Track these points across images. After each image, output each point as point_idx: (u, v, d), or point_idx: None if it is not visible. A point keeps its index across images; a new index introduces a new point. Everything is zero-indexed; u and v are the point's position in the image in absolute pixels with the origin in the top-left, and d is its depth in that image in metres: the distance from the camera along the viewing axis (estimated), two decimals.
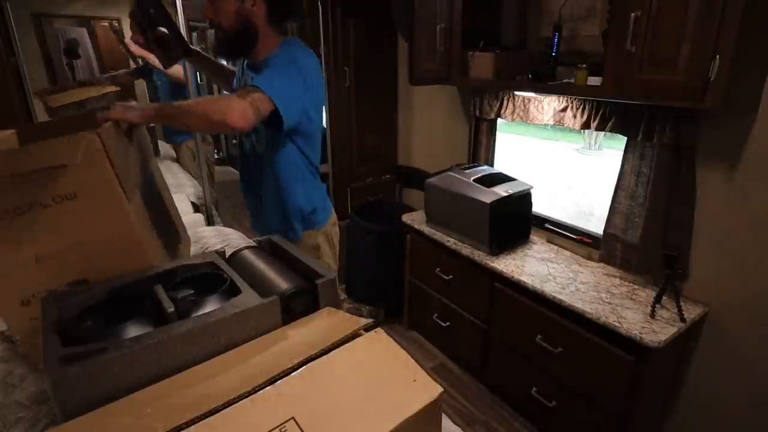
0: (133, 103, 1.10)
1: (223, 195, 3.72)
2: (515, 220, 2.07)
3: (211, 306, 0.86)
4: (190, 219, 2.34)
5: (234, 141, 1.50)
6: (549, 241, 2.13)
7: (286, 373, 0.73)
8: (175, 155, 3.56)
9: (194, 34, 4.02)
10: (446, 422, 1.00)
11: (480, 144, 2.39)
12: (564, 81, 1.73)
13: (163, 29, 1.31)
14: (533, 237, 2.16)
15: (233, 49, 1.34)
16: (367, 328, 0.86)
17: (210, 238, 1.88)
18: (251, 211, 1.63)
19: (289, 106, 1.23)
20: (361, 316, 0.98)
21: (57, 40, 4.21)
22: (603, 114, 1.73)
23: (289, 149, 1.37)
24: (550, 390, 1.78)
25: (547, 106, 1.97)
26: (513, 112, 2.11)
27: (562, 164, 6.30)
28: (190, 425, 0.63)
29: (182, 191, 2.70)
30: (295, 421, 0.63)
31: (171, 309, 0.83)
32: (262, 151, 1.40)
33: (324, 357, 0.77)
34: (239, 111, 1.13)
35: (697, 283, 1.63)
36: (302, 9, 2.62)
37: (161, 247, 1.03)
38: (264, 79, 1.21)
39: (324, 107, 2.68)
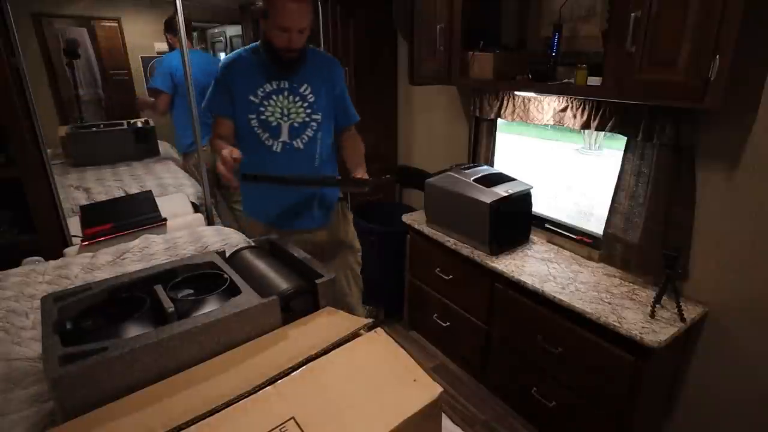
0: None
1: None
2: (515, 220, 2.07)
3: (210, 306, 0.86)
4: (190, 219, 2.34)
5: (268, 141, 1.62)
6: (549, 241, 2.13)
7: (286, 373, 0.73)
8: (175, 155, 3.57)
9: (195, 34, 4.02)
10: (446, 422, 1.00)
11: (480, 144, 2.39)
12: (564, 81, 1.73)
13: None
14: (533, 237, 2.16)
15: (299, 63, 1.58)
16: (367, 328, 0.86)
17: (210, 237, 1.88)
18: (293, 210, 1.74)
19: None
20: (354, 314, 0.98)
21: (57, 40, 4.21)
22: (603, 114, 1.73)
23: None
24: (550, 390, 1.78)
25: (547, 106, 1.97)
26: (513, 112, 2.11)
27: (562, 164, 6.29)
28: (190, 425, 0.63)
29: (182, 191, 2.70)
30: (295, 421, 0.63)
31: (171, 309, 0.83)
32: (302, 146, 1.63)
33: (324, 357, 0.77)
34: None
35: (697, 283, 1.63)
36: None
37: None
38: (352, 108, 1.77)
39: None
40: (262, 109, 1.57)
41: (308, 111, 1.61)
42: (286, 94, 1.58)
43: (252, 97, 1.56)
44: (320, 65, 1.64)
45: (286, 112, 1.59)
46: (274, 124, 1.58)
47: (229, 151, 1.37)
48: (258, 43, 1.59)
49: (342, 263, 1.90)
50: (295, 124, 1.60)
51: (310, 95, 1.61)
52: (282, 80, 1.57)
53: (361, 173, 1.59)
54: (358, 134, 1.80)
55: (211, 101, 1.61)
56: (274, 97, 1.57)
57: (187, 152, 3.07)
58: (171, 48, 3.06)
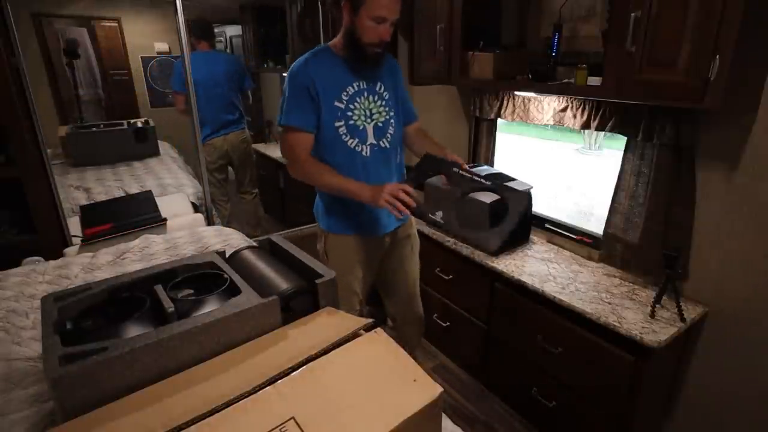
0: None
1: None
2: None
3: (210, 306, 0.86)
4: (190, 219, 2.34)
5: (353, 144, 1.53)
6: (549, 241, 2.13)
7: (286, 373, 0.73)
8: (175, 155, 3.57)
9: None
10: (446, 422, 1.00)
11: (480, 144, 2.39)
12: (564, 81, 1.73)
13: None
14: (533, 237, 2.16)
15: (383, 59, 1.51)
16: (367, 328, 0.86)
17: (210, 238, 1.88)
18: (378, 215, 1.62)
19: None
20: (361, 316, 0.98)
21: (57, 40, 4.21)
22: (603, 114, 1.73)
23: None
24: (550, 390, 1.78)
25: (547, 106, 1.97)
26: (513, 112, 2.11)
27: (562, 164, 6.30)
28: (190, 425, 0.63)
29: (182, 191, 2.70)
30: (295, 421, 0.63)
31: (171, 309, 0.83)
32: (388, 145, 1.58)
33: (324, 357, 0.77)
34: None
35: (697, 283, 1.63)
36: None
37: None
38: (411, 103, 1.73)
39: None
40: (349, 113, 1.48)
41: (386, 109, 1.56)
42: (366, 94, 1.51)
43: (338, 103, 1.46)
44: (386, 61, 1.57)
45: (369, 113, 1.52)
46: (361, 127, 1.51)
47: (397, 187, 1.35)
48: (323, 45, 1.52)
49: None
50: (379, 124, 1.55)
51: (385, 92, 1.56)
52: (360, 80, 1.50)
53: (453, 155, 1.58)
54: None
55: (293, 115, 1.45)
56: (358, 99, 1.50)
57: (203, 143, 3.17)
58: (192, 49, 3.17)
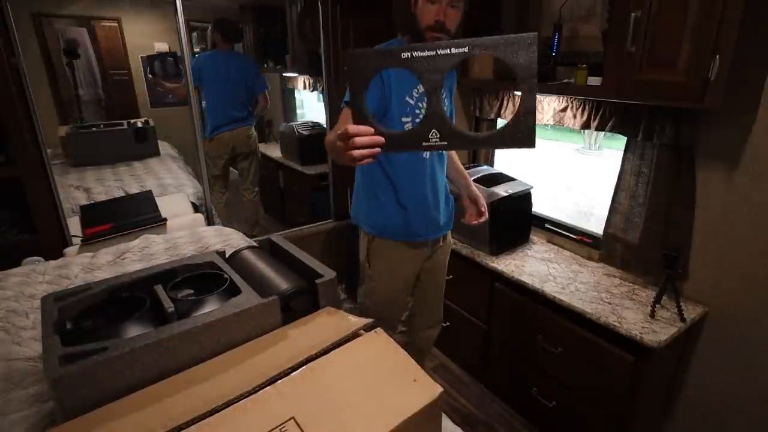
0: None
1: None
2: (515, 220, 2.07)
3: (210, 306, 0.86)
4: (190, 219, 2.34)
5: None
6: (549, 241, 2.13)
7: (286, 373, 0.73)
8: (175, 155, 3.57)
9: (194, 34, 4.03)
10: (446, 422, 1.00)
11: None
12: (564, 81, 1.73)
13: None
14: (533, 237, 2.16)
15: None
16: (367, 328, 0.86)
17: (210, 238, 1.88)
18: (432, 220, 1.52)
19: None
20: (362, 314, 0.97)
21: (57, 40, 4.21)
22: (603, 114, 1.73)
23: None
24: (550, 390, 1.78)
25: (547, 106, 1.97)
26: (513, 112, 2.11)
27: (562, 164, 6.30)
28: (190, 425, 0.63)
29: (182, 191, 2.70)
30: (295, 421, 0.63)
31: (171, 309, 0.83)
32: (444, 152, 1.49)
33: (324, 357, 0.77)
34: None
35: (697, 283, 1.63)
36: None
37: None
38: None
39: (327, 107, 2.71)
40: (417, 111, 1.38)
41: (448, 110, 1.47)
42: None
43: (408, 98, 1.37)
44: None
45: None
46: None
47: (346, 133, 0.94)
48: (399, 38, 1.42)
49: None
50: None
51: (446, 98, 1.47)
52: None
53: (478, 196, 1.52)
54: None
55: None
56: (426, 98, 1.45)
57: (210, 137, 3.28)
58: (213, 46, 3.34)
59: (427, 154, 1.45)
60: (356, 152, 0.83)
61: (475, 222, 1.53)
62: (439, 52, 0.90)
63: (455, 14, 1.26)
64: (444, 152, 1.50)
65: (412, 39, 1.36)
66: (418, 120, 1.40)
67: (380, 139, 0.86)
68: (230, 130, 3.24)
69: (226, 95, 3.18)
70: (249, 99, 3.30)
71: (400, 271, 1.56)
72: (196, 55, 3.33)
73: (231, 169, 3.48)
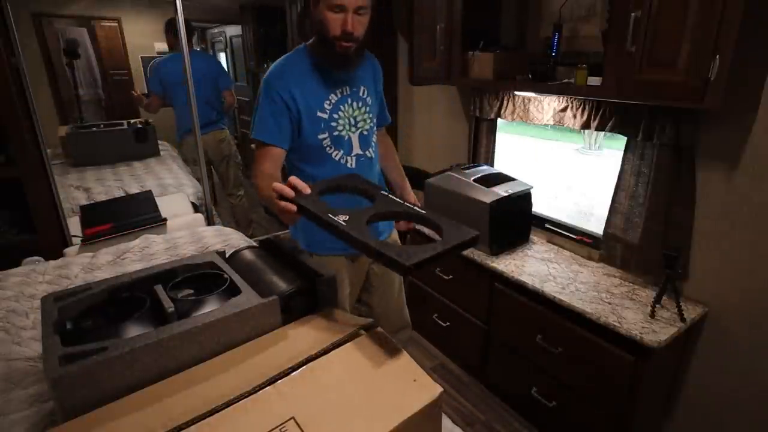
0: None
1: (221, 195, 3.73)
2: (515, 220, 2.07)
3: (210, 306, 0.86)
4: (190, 219, 2.34)
5: (338, 155, 1.40)
6: (549, 241, 2.13)
7: (286, 373, 0.73)
8: (175, 155, 3.57)
9: (195, 35, 4.03)
10: (446, 422, 1.00)
11: (480, 144, 2.39)
12: (564, 81, 1.73)
13: None
14: (533, 237, 2.16)
15: (358, 59, 1.34)
16: (367, 328, 0.86)
17: (210, 238, 1.88)
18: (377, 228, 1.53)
19: None
20: (361, 316, 0.98)
21: (57, 40, 4.22)
22: (603, 114, 1.73)
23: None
24: (550, 390, 1.78)
25: (547, 106, 1.97)
26: (513, 112, 2.11)
27: (562, 164, 6.30)
28: (190, 425, 0.63)
29: (182, 191, 2.70)
30: (295, 421, 0.63)
31: (171, 309, 0.83)
32: (373, 155, 1.49)
33: (324, 357, 0.77)
34: None
35: (697, 283, 1.63)
36: None
37: None
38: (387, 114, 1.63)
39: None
40: (333, 124, 1.36)
41: (370, 116, 1.45)
42: (350, 101, 1.38)
43: (320, 113, 1.33)
44: (368, 62, 1.45)
45: (353, 121, 1.40)
46: (346, 137, 1.39)
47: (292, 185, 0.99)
48: (301, 45, 1.37)
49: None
50: (364, 133, 1.43)
51: (368, 98, 1.44)
52: (343, 86, 1.37)
53: (410, 195, 1.53)
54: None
55: (265, 128, 1.29)
56: (342, 107, 1.37)
57: (180, 140, 3.28)
58: (170, 48, 3.18)
59: (352, 163, 1.42)
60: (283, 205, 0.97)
61: (405, 228, 1.39)
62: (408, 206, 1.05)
63: (362, 21, 1.24)
64: (373, 154, 1.49)
65: (319, 46, 1.30)
66: (335, 134, 1.37)
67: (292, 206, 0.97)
68: (203, 134, 3.11)
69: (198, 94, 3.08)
70: (217, 99, 3.19)
71: (341, 283, 1.47)
72: (152, 61, 3.16)
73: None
